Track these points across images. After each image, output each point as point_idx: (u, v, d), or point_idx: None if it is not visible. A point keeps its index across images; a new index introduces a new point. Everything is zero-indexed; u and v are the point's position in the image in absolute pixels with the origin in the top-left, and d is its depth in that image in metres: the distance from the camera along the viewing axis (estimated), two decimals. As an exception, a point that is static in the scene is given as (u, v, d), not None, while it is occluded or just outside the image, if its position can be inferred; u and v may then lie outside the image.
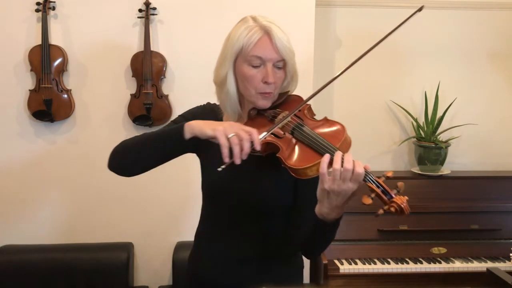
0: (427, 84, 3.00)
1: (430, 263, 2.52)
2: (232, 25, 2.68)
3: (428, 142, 2.86)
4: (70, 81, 2.58)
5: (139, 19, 2.55)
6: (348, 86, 2.99)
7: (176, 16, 2.57)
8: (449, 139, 2.92)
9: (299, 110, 1.41)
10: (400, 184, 1.19)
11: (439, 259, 2.56)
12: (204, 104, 1.61)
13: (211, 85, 2.64)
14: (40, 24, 2.48)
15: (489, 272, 1.76)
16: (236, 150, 1.24)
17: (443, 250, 2.60)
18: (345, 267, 2.47)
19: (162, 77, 2.57)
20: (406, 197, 1.18)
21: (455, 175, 2.87)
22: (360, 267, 2.47)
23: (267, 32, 1.39)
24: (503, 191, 2.75)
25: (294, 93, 1.52)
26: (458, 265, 2.51)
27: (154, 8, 2.54)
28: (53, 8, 2.50)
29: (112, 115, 2.62)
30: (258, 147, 1.27)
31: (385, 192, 1.18)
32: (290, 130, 1.35)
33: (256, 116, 1.46)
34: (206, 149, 1.46)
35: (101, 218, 2.69)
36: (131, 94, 2.57)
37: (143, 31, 2.52)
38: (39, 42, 2.48)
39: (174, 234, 2.68)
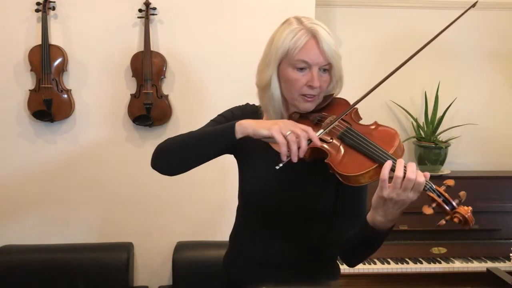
0: (427, 84, 3.00)
1: (430, 263, 2.52)
2: (232, 25, 2.70)
3: (428, 142, 2.86)
4: (70, 81, 2.58)
5: (139, 19, 2.55)
6: (348, 86, 2.99)
7: (176, 16, 2.57)
8: (449, 139, 2.92)
9: (346, 114, 1.35)
10: (462, 193, 1.16)
11: (439, 259, 2.56)
12: (244, 105, 1.56)
13: (210, 85, 2.65)
14: (40, 24, 2.48)
15: (489, 272, 1.76)
16: (294, 148, 1.21)
17: (443, 250, 2.60)
18: (345, 267, 2.45)
19: (162, 77, 2.57)
20: (470, 207, 1.14)
21: (455, 175, 2.86)
22: (360, 267, 2.47)
23: (313, 36, 1.34)
24: (503, 191, 2.75)
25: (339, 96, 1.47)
26: (458, 265, 2.51)
27: (154, 8, 2.53)
28: (53, 8, 2.49)
29: (112, 115, 2.62)
30: (318, 143, 1.24)
31: (446, 201, 1.15)
32: (338, 135, 1.30)
33: (298, 120, 1.39)
34: (245, 151, 1.45)
35: (101, 218, 2.69)
36: (131, 94, 2.57)
37: (143, 31, 2.52)
38: (39, 42, 2.48)
39: (174, 234, 2.68)
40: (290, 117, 1.42)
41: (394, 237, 2.61)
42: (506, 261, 2.51)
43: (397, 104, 2.98)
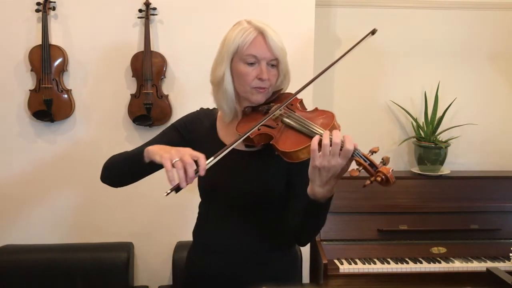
0: (427, 84, 3.00)
1: (430, 263, 2.52)
2: (232, 25, 2.69)
3: (428, 142, 2.86)
4: (70, 81, 2.58)
5: (139, 19, 2.55)
6: (348, 86, 2.99)
7: (176, 16, 2.57)
8: (449, 139, 2.92)
9: (292, 104, 1.49)
10: (385, 157, 1.24)
11: (439, 259, 2.56)
12: (197, 110, 1.69)
13: (210, 85, 2.64)
14: (40, 24, 2.48)
15: (489, 272, 1.76)
16: (180, 174, 1.29)
17: (443, 250, 2.60)
18: (345, 267, 2.47)
19: (162, 77, 2.57)
20: (391, 167, 1.23)
21: (455, 175, 2.87)
22: (360, 267, 2.47)
23: (261, 33, 1.46)
24: (503, 191, 2.75)
25: (287, 91, 1.60)
26: (458, 265, 2.51)
27: (154, 8, 2.54)
28: (53, 8, 2.50)
29: (112, 115, 2.62)
30: (202, 172, 1.30)
31: (371, 165, 1.24)
32: (282, 120, 1.43)
33: (251, 113, 1.53)
34: (199, 148, 1.53)
35: (101, 218, 2.69)
36: (131, 94, 2.57)
37: (143, 31, 2.52)
38: (39, 42, 2.48)
39: (174, 234, 2.67)
40: (243, 112, 1.55)
41: (394, 237, 2.61)
42: (506, 261, 2.51)
43: (397, 104, 2.99)
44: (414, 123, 2.96)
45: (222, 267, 1.53)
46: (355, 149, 1.24)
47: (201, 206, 1.69)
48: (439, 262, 2.53)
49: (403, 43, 2.96)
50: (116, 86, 2.60)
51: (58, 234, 2.67)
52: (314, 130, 1.33)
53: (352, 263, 2.50)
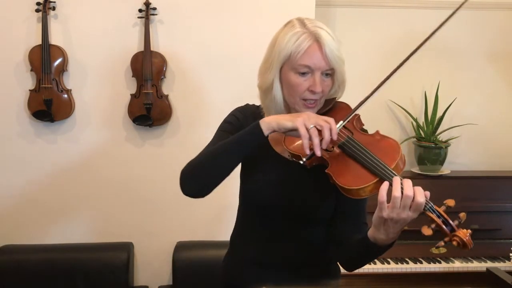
0: (427, 84, 3.00)
1: (430, 263, 2.52)
2: (232, 25, 2.71)
3: (428, 142, 2.86)
4: (70, 81, 2.58)
5: (139, 19, 2.55)
6: (347, 86, 2.99)
7: (176, 16, 2.57)
8: (449, 139, 2.92)
9: (348, 121, 1.33)
10: (462, 214, 1.14)
11: (439, 259, 2.56)
12: (244, 106, 1.55)
13: (211, 85, 2.65)
14: (40, 24, 2.48)
15: (489, 272, 1.76)
16: (317, 141, 1.19)
17: (443, 250, 2.59)
18: (345, 267, 2.47)
19: (162, 77, 2.57)
20: (469, 230, 1.13)
21: (455, 175, 2.87)
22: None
23: (316, 40, 1.32)
24: (503, 191, 2.75)
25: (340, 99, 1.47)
26: (458, 265, 2.51)
27: (154, 8, 2.54)
28: (53, 8, 2.50)
29: (112, 115, 2.62)
30: (335, 136, 1.21)
31: (446, 223, 1.13)
32: (339, 144, 1.27)
33: None
34: (252, 156, 1.42)
35: (101, 218, 2.69)
36: (131, 94, 2.57)
37: (143, 31, 2.52)
38: (39, 42, 2.48)
39: (174, 234, 2.67)
40: None
41: (394, 237, 2.61)
42: (506, 261, 2.51)
43: (397, 104, 2.99)
44: (414, 123, 2.96)
45: (260, 282, 1.40)
46: (427, 202, 1.14)
47: (240, 212, 1.55)
48: (439, 262, 2.53)
49: (403, 43, 2.96)
50: (116, 86, 2.60)
51: (58, 234, 2.67)
52: (382, 172, 1.17)
53: (352, 263, 2.50)
